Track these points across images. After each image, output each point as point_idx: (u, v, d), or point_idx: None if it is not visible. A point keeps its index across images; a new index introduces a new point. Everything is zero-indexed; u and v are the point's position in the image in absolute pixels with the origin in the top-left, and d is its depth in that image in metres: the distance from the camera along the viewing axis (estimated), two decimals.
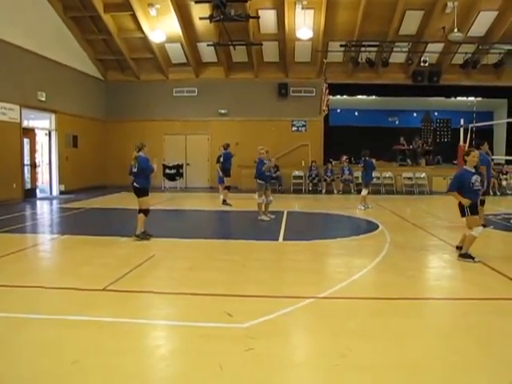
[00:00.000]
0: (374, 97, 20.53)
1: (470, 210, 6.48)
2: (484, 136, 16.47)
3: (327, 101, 17.92)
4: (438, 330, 4.15)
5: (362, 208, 12.45)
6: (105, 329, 4.13)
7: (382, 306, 4.81)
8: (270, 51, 18.64)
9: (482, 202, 6.91)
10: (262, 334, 3.96)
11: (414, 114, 22.75)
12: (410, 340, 3.91)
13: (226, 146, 13.66)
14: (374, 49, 17.79)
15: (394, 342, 3.87)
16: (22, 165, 14.76)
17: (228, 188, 13.58)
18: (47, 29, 15.84)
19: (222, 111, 19.78)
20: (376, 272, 6.15)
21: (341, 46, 17.51)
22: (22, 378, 3.25)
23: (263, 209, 10.62)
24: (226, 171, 13.44)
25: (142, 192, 8.43)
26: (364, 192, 12.73)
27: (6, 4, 13.56)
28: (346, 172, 17.88)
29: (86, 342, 3.82)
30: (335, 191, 17.73)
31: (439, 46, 17.87)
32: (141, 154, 8.40)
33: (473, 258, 6.48)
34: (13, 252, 7.20)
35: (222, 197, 13.38)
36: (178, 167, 18.96)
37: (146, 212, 8.40)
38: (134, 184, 8.41)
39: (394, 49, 17.82)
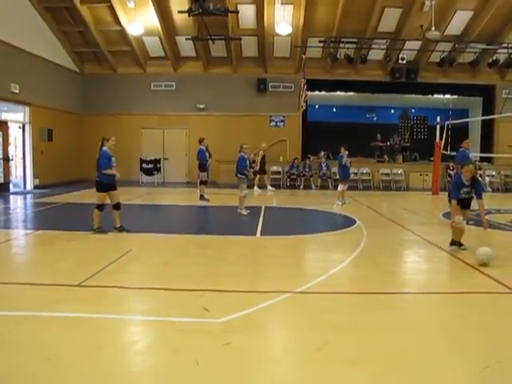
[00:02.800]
0: (352, 93, 20.63)
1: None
2: (460, 133, 16.84)
3: (305, 96, 17.97)
4: (413, 323, 4.21)
5: (340, 203, 12.56)
6: (80, 324, 4.08)
7: (359, 300, 4.86)
8: (249, 46, 18.61)
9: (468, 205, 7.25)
10: (239, 329, 3.96)
11: (392, 111, 22.96)
12: (386, 333, 3.96)
13: (201, 141, 13.63)
14: (353, 45, 17.90)
15: (370, 335, 3.92)
16: None
17: (205, 183, 13.54)
18: (21, 19, 15.46)
19: (201, 106, 19.68)
20: (353, 266, 6.21)
21: (320, 41, 17.56)
22: None
23: (242, 203, 10.71)
24: (200, 166, 13.39)
25: (100, 187, 8.23)
26: (341, 187, 12.84)
27: None
28: (324, 168, 18.00)
29: (61, 339, 3.76)
30: (313, 187, 17.84)
31: (417, 44, 18.08)
32: (104, 148, 8.29)
33: (459, 245, 6.95)
34: None
35: (199, 192, 13.31)
36: (156, 162, 18.84)
37: (101, 207, 8.23)
38: (96, 178, 8.28)
39: (373, 46, 17.95)
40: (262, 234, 8.41)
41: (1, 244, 7.69)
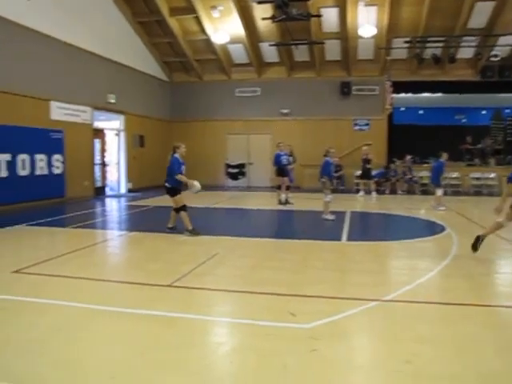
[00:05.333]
0: (439, 94, 19.79)
1: None
2: None
3: (391, 99, 17.49)
4: (510, 340, 3.93)
5: (442, 208, 12.10)
6: (172, 323, 4.23)
7: (450, 311, 4.62)
8: (332, 49, 18.42)
9: None
10: (326, 336, 3.92)
11: (483, 112, 21.73)
12: (480, 350, 3.71)
13: (278, 145, 13.73)
14: (440, 44, 17.12)
15: (462, 350, 3.69)
16: (93, 164, 15.47)
17: (288, 188, 13.57)
18: (117, 34, 16.50)
19: (284, 111, 19.77)
20: (443, 276, 5.92)
21: (405, 42, 16.96)
22: (92, 365, 3.38)
23: (327, 209, 10.56)
24: (279, 171, 13.41)
25: (171, 192, 8.54)
26: (440, 192, 12.40)
27: (79, 13, 14.24)
28: (411, 172, 17.34)
29: (154, 336, 3.93)
30: (399, 191, 17.25)
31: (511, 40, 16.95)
32: (175, 155, 8.57)
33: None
34: (84, 247, 7.56)
35: (284, 196, 13.38)
36: (241, 166, 19.17)
37: (183, 208, 8.54)
38: (165, 184, 8.58)
39: (462, 43, 17.07)
40: (347, 240, 8.28)
41: (98, 244, 8.21)
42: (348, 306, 4.59)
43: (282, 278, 5.71)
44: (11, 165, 11.71)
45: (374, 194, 16.12)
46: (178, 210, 8.58)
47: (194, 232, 8.45)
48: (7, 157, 11.59)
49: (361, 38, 16.79)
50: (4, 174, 11.49)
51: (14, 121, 11.77)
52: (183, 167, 8.59)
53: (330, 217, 10.43)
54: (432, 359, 3.51)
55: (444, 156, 12.52)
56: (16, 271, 5.93)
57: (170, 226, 8.74)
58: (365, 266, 6.37)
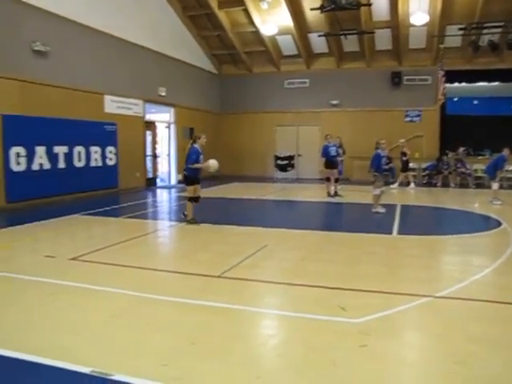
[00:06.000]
0: (496, 83, 18.91)
1: None
2: None
3: (443, 89, 16.92)
4: None
5: (498, 202, 11.68)
6: (221, 314, 4.27)
7: (506, 310, 4.43)
8: (383, 39, 17.94)
9: None
10: (377, 331, 3.85)
11: None
12: None
13: (326, 137, 13.56)
14: (498, 30, 16.32)
15: None
16: (145, 155, 15.83)
17: (336, 180, 13.42)
18: (167, 28, 16.76)
19: (334, 102, 19.51)
20: (500, 273, 5.68)
21: (459, 29, 16.27)
22: (145, 351, 3.46)
23: (378, 201, 10.39)
24: (328, 163, 13.26)
25: (187, 180, 8.89)
26: (496, 186, 12.00)
27: (131, 9, 14.54)
28: (464, 165, 16.74)
29: (204, 325, 3.98)
30: (451, 184, 16.69)
31: None
32: (194, 145, 8.82)
33: None
34: (136, 236, 7.76)
35: (332, 188, 13.26)
36: (290, 158, 19.16)
37: (195, 199, 8.83)
38: (184, 172, 8.97)
39: None
40: (398, 233, 8.10)
41: (149, 234, 8.41)
42: (399, 302, 4.49)
43: (331, 271, 5.66)
44: (68, 157, 12.17)
45: (412, 185, 16.06)
46: (190, 199, 8.84)
47: (194, 221, 8.76)
48: (65, 149, 12.04)
49: (412, 26, 16.28)
50: (62, 165, 11.96)
51: (70, 114, 12.21)
52: (201, 157, 8.82)
53: (381, 209, 10.26)
54: (485, 361, 3.37)
55: (506, 151, 12.04)
56: (73, 258, 6.17)
57: (184, 212, 9.03)
58: (416, 261, 6.22)
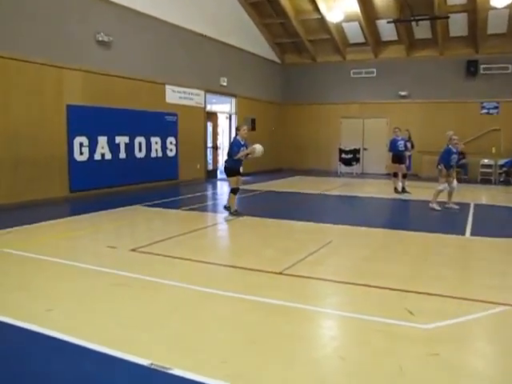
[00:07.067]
0: None
1: None
2: None
3: None
4: None
5: None
6: (281, 312, 4.26)
7: None
8: (458, 24, 17.15)
9: None
10: (448, 339, 3.69)
11: None
12: None
13: (394, 130, 13.21)
14: None
15: None
16: (206, 147, 16.08)
17: (404, 176, 13.06)
18: (228, 16, 16.84)
19: (402, 93, 18.93)
20: None
21: None
22: (204, 347, 3.50)
23: (437, 197, 10.16)
24: (395, 157, 12.91)
25: (228, 171, 9.07)
26: None
27: None
28: None
29: (263, 324, 3.98)
30: None
31: None
32: (237, 137, 9.05)
33: None
34: (196, 229, 7.90)
35: (400, 184, 12.93)
36: (355, 152, 18.86)
37: (234, 191, 9.03)
38: (225, 163, 9.22)
39: None
40: (472, 234, 7.76)
41: (209, 227, 8.55)
42: (473, 309, 4.30)
43: (397, 272, 5.51)
44: (129, 147, 12.57)
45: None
46: (232, 190, 9.03)
47: (237, 213, 9.03)
48: (126, 139, 12.44)
49: (493, 8, 15.41)
50: (123, 155, 12.36)
51: (132, 104, 12.60)
52: (242, 149, 8.94)
53: (437, 207, 10.04)
54: None
55: None
56: (133, 249, 6.36)
57: (227, 205, 9.29)
58: (492, 265, 5.93)
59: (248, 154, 8.96)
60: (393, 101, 19.09)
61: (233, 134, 17.57)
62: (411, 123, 16.78)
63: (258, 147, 8.95)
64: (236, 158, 8.88)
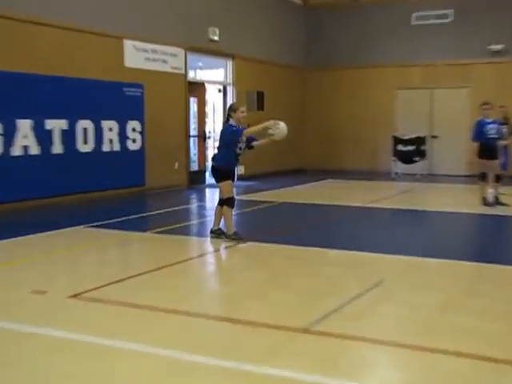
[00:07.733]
0: None
1: None
2: None
3: None
4: None
5: None
6: None
7: None
8: None
9: None
10: None
11: None
12: None
13: (483, 106, 13.07)
14: None
15: None
16: (187, 135, 16.09)
17: (498, 179, 12.99)
18: None
19: (495, 47, 18.97)
20: None
21: None
22: None
23: None
24: (483, 150, 12.76)
25: (217, 174, 8.91)
26: None
27: None
28: None
29: None
30: None
31: None
32: (230, 121, 8.82)
33: None
34: (174, 263, 7.84)
35: (491, 191, 12.90)
36: (419, 142, 18.76)
37: (230, 203, 8.89)
38: (212, 161, 9.17)
39: None
40: None
41: (194, 259, 8.53)
42: None
43: (491, 330, 5.38)
44: (67, 136, 12.56)
45: None
46: (223, 202, 8.88)
47: (237, 237, 8.86)
48: (62, 124, 12.45)
49: None
50: (58, 149, 12.37)
51: (70, 70, 12.56)
52: (240, 138, 8.84)
53: None
54: None
55: None
56: (74, 295, 6.28)
57: (213, 228, 9.18)
58: None
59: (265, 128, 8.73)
60: (479, 60, 19.12)
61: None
62: (509, 96, 16.71)
63: (283, 125, 8.73)
64: (245, 133, 8.68)
